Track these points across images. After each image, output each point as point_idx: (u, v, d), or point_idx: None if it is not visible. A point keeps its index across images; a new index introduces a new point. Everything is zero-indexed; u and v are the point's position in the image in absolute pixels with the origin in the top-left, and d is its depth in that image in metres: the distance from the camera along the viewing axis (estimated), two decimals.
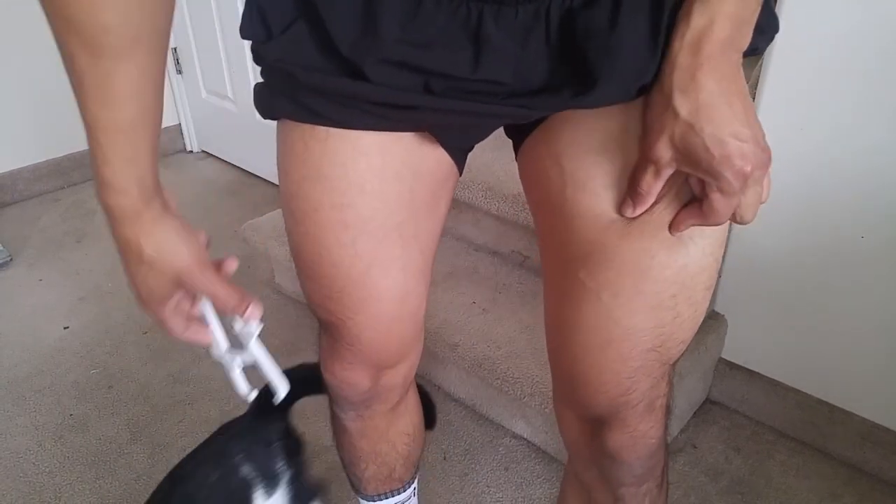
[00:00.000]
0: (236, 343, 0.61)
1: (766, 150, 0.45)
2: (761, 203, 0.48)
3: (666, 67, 0.46)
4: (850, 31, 0.95)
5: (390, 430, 0.82)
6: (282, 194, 0.63)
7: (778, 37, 1.02)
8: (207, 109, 2.51)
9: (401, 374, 0.75)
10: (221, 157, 2.59)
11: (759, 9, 0.45)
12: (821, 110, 1.02)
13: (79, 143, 2.40)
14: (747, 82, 1.06)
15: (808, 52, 1.00)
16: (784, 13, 1.00)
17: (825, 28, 0.97)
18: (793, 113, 1.05)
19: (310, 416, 1.34)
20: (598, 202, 0.53)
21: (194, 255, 0.54)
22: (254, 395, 0.63)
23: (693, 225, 0.50)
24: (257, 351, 0.60)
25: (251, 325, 0.58)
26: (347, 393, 0.74)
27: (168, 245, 0.53)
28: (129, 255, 0.53)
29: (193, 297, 0.59)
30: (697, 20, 0.44)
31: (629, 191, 0.51)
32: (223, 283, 0.56)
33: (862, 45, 0.95)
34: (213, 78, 2.39)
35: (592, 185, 0.53)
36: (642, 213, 0.51)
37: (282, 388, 0.61)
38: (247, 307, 0.56)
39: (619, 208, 0.52)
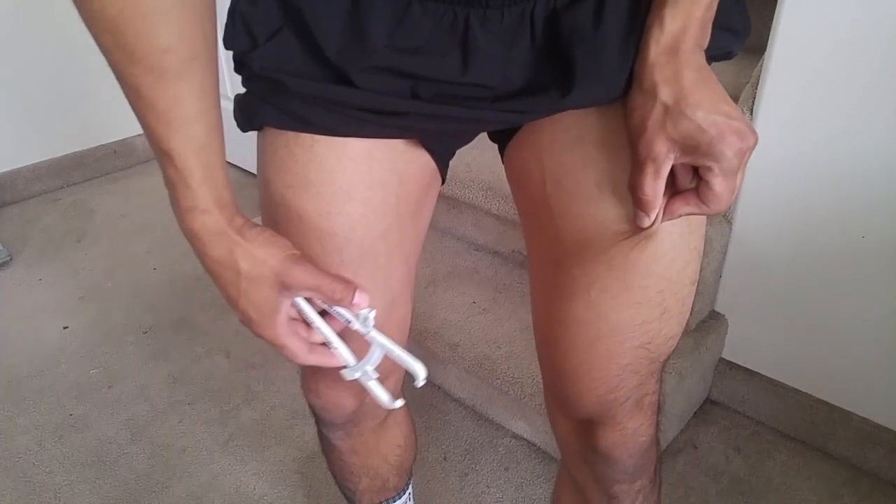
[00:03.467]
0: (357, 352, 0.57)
1: (754, 130, 0.46)
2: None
3: (644, 69, 0.47)
4: (851, 32, 0.95)
5: (381, 444, 0.80)
6: (263, 205, 0.62)
7: (778, 37, 1.02)
8: None
9: (388, 390, 0.74)
10: None
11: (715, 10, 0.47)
12: (821, 110, 1.02)
13: (79, 143, 2.40)
14: (747, 82, 1.06)
15: (808, 52, 1.00)
16: (784, 13, 1.00)
17: (825, 28, 0.97)
18: (793, 113, 1.05)
19: (310, 416, 1.34)
20: (581, 199, 0.54)
21: (287, 252, 0.53)
22: (400, 402, 0.58)
23: (689, 213, 0.50)
24: (382, 339, 0.56)
25: (366, 312, 0.54)
26: (333, 415, 0.72)
27: (259, 250, 0.51)
28: (225, 275, 0.52)
29: (307, 324, 0.57)
30: (671, 25, 0.46)
31: (635, 202, 0.50)
32: (324, 272, 0.53)
33: (862, 45, 0.95)
34: None
35: (568, 181, 0.54)
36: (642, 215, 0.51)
37: (420, 371, 0.56)
38: (354, 291, 0.53)
39: (635, 222, 0.51)
